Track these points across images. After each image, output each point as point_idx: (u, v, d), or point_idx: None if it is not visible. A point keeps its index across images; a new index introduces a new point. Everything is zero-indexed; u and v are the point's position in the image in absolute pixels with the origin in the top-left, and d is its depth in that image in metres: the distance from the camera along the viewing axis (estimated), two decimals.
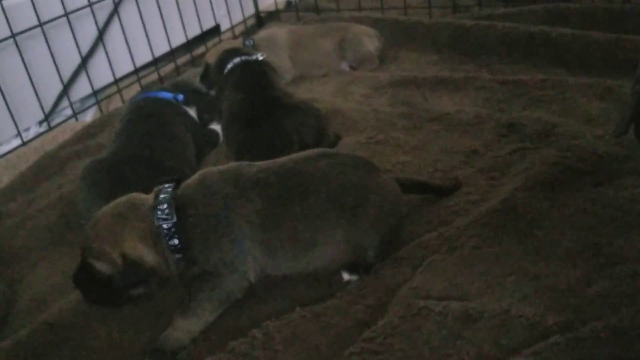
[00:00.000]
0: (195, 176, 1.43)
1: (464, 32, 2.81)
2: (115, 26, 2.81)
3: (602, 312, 1.22)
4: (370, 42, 2.82)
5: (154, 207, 1.34)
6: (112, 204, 1.38)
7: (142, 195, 1.40)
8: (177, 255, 1.34)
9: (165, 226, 1.32)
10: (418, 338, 1.21)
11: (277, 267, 1.38)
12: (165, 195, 1.35)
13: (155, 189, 1.40)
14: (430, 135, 2.08)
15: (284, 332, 1.29)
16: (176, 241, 1.32)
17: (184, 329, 1.31)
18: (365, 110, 2.29)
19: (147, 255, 1.31)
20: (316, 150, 1.51)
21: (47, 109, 2.52)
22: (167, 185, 1.39)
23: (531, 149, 1.85)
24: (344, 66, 2.82)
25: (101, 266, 1.30)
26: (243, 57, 2.36)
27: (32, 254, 1.75)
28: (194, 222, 1.33)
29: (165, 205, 1.33)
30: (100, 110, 2.73)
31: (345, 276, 1.44)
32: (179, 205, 1.34)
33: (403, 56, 2.91)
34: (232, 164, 1.48)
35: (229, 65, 2.35)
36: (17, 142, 2.39)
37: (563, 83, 2.24)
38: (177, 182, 1.42)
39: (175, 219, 1.32)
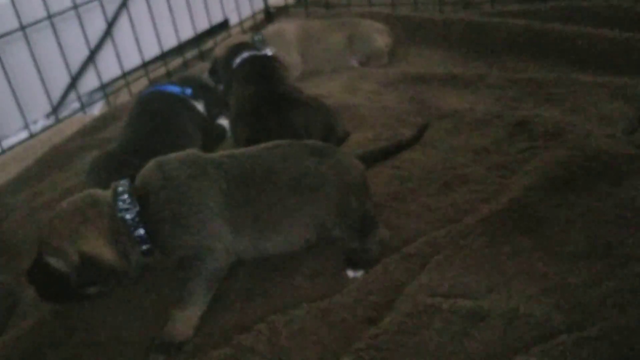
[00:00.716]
0: (150, 164, 1.41)
1: (475, 29, 2.79)
2: (124, 20, 2.81)
3: (610, 312, 1.21)
4: (380, 38, 2.80)
5: (115, 200, 1.31)
6: (70, 199, 1.35)
7: (101, 191, 1.36)
8: (145, 247, 1.31)
9: (128, 216, 1.29)
10: (425, 335, 1.20)
11: (244, 248, 1.38)
12: (124, 187, 1.33)
13: (113, 184, 1.37)
14: (440, 133, 2.06)
15: (290, 328, 1.28)
16: (142, 231, 1.30)
17: (183, 319, 1.29)
18: (375, 107, 2.28)
19: (106, 253, 1.27)
20: (276, 142, 1.51)
21: (54, 102, 2.52)
22: (123, 180, 1.37)
23: (541, 148, 1.82)
24: (353, 62, 2.80)
25: (57, 263, 1.27)
26: (252, 52, 2.36)
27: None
28: (158, 207, 1.31)
29: (125, 196, 1.30)
30: (108, 103, 2.73)
31: (350, 273, 1.43)
32: (140, 194, 1.32)
33: (413, 53, 2.89)
34: (187, 151, 1.46)
35: (238, 60, 2.35)
36: (24, 134, 2.39)
37: (575, 82, 2.22)
38: (132, 177, 1.40)
39: (138, 208, 1.29)
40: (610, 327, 1.14)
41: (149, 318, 1.41)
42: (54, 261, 1.27)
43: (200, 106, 2.25)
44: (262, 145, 1.50)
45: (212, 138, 2.21)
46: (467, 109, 2.17)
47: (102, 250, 1.27)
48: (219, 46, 2.86)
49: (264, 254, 1.43)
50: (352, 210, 1.44)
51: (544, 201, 1.54)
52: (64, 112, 2.60)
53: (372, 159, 1.81)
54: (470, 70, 2.56)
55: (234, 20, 3.52)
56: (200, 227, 1.31)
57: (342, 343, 1.24)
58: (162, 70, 2.97)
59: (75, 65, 2.60)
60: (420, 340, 1.19)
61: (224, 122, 2.31)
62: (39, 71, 2.40)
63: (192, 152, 1.44)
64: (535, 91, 2.24)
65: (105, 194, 1.35)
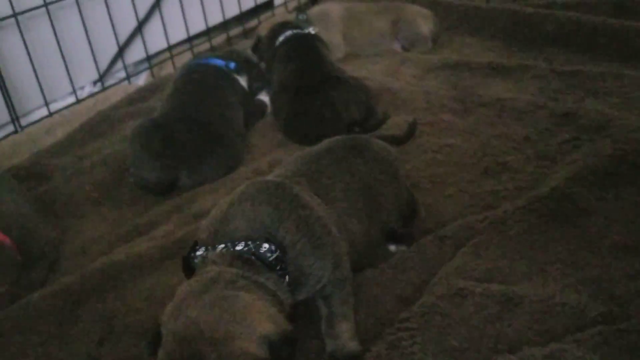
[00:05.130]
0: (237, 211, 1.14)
1: (522, 20, 2.74)
2: None
3: None
4: (425, 23, 2.78)
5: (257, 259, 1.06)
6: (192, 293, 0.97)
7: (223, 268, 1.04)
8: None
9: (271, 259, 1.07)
10: (456, 317, 1.20)
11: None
12: (250, 245, 1.07)
13: (222, 251, 1.07)
14: (481, 120, 2.04)
15: None
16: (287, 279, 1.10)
17: (349, 331, 1.18)
18: (416, 91, 2.26)
19: (284, 323, 0.99)
20: (324, 144, 1.45)
21: (102, 70, 2.58)
22: (221, 245, 1.08)
23: (586, 140, 1.80)
24: (397, 46, 2.79)
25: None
26: (295, 30, 2.37)
27: (81, 207, 1.80)
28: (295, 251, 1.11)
29: (265, 245, 1.07)
30: (153, 75, 2.77)
31: (392, 247, 1.45)
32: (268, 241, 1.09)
33: (457, 41, 2.85)
34: (260, 184, 1.21)
35: (281, 38, 2.36)
36: (71, 99, 2.45)
37: (622, 76, 2.17)
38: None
39: (278, 252, 1.08)
40: None
41: None
42: None
43: (242, 81, 2.27)
44: (308, 152, 1.42)
45: (253, 113, 2.23)
46: (510, 98, 2.14)
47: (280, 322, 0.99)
48: (263, 25, 2.89)
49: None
50: (403, 198, 1.46)
51: (585, 193, 1.52)
52: (109, 81, 2.65)
53: None
54: (515, 60, 2.52)
55: (278, 0, 3.52)
56: (332, 244, 1.17)
57: (372, 320, 1.25)
58: (206, 46, 3.00)
59: (123, 36, 2.64)
60: (452, 321, 1.19)
61: (264, 98, 2.33)
62: (88, 39, 2.46)
63: (265, 184, 1.20)
64: (580, 84, 2.20)
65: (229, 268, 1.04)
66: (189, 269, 1.11)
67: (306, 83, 2.07)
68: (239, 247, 1.06)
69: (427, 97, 2.23)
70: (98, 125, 2.27)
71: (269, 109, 2.29)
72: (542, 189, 1.55)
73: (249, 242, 1.06)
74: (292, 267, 1.10)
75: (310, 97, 2.02)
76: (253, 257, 1.05)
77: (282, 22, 2.52)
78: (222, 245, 1.08)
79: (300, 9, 3.31)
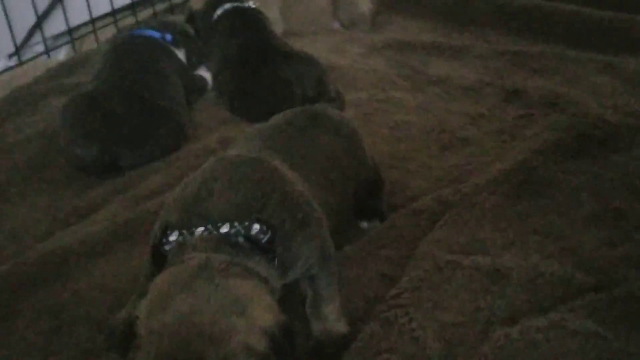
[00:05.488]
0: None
1: (460, 1, 2.75)
2: None
3: (629, 274, 1.19)
4: (364, 2, 2.72)
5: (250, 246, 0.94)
6: (179, 280, 0.83)
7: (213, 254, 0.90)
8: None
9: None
10: (447, 291, 1.15)
11: None
12: (237, 227, 0.94)
13: (203, 234, 0.93)
14: (432, 97, 2.01)
15: None
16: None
17: (334, 313, 1.10)
18: (364, 69, 2.21)
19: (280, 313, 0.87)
20: (283, 115, 1.34)
21: (18, 43, 2.32)
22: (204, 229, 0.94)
23: (540, 115, 1.81)
24: (336, 25, 2.71)
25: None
26: (235, 4, 2.24)
27: (10, 189, 1.59)
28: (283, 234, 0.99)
29: (256, 226, 0.95)
30: (74, 49, 2.53)
31: (364, 224, 1.37)
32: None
33: (396, 21, 2.81)
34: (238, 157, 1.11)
35: (219, 11, 2.23)
36: None
37: (563, 56, 2.21)
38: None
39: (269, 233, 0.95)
40: (637, 287, 1.12)
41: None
42: None
43: (180, 54, 2.11)
44: (267, 126, 1.30)
45: (192, 89, 2.07)
46: (458, 76, 2.14)
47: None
48: None
49: None
50: (369, 170, 1.39)
51: (550, 166, 1.51)
52: (27, 54, 2.39)
53: None
54: (456, 40, 2.52)
55: None
56: (317, 222, 1.07)
57: (358, 299, 1.17)
58: (131, 20, 2.78)
59: (41, 6, 2.39)
60: (443, 294, 1.14)
61: (204, 73, 2.18)
62: (4, 8, 2.20)
63: (240, 159, 1.09)
64: (523, 63, 2.22)
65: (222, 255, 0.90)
66: (160, 257, 0.96)
67: (254, 58, 1.95)
68: (224, 230, 0.92)
69: (376, 74, 2.17)
70: (16, 102, 2.03)
71: (210, 84, 2.14)
72: (508, 163, 1.54)
73: (235, 224, 0.93)
74: (280, 249, 0.97)
75: (260, 73, 1.90)
76: (241, 240, 0.92)
77: None
78: (202, 228, 0.93)
79: None
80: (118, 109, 1.67)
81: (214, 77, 2.10)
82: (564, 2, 2.58)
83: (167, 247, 0.95)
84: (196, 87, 2.11)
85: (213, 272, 0.83)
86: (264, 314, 0.82)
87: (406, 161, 1.65)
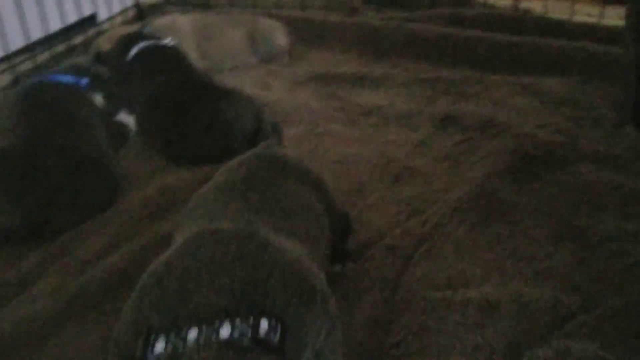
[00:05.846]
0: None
1: (372, 32, 2.78)
2: None
3: (607, 291, 1.22)
4: (281, 36, 2.68)
5: None
6: None
7: None
8: None
9: None
10: (445, 332, 1.11)
11: None
12: (241, 327, 0.78)
13: (199, 341, 0.75)
14: (370, 128, 2.00)
15: None
16: None
17: None
18: (295, 103, 2.16)
19: None
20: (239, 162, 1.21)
21: None
22: None
23: (478, 139, 1.85)
24: (253, 60, 2.65)
25: None
26: (150, 42, 2.11)
27: None
28: None
29: (265, 323, 0.79)
30: None
31: (337, 267, 1.31)
32: None
33: (311, 54, 2.80)
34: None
35: (134, 50, 2.09)
36: None
37: (483, 80, 2.30)
38: None
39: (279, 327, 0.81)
40: (621, 304, 1.14)
41: None
42: None
43: (98, 99, 1.94)
44: (231, 181, 1.15)
45: (114, 136, 1.91)
46: (387, 105, 2.15)
47: None
48: (102, 38, 2.55)
49: None
50: (336, 211, 1.29)
51: (505, 188, 1.54)
52: None
53: None
54: (376, 70, 2.54)
55: (103, 15, 3.16)
56: (323, 291, 0.94)
57: (355, 352, 1.10)
58: (28, 65, 2.55)
59: None
60: (443, 336, 1.09)
61: (124, 118, 2.02)
62: None
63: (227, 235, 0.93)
64: (447, 89, 2.28)
65: None
66: None
67: (186, 96, 1.83)
68: (224, 332, 0.73)
69: (308, 108, 2.13)
70: None
71: (133, 129, 1.99)
72: (465, 189, 1.54)
73: (236, 322, 0.74)
74: (290, 342, 0.79)
75: (196, 112, 1.78)
76: (248, 343, 0.73)
77: (131, 32, 2.24)
78: (194, 332, 0.73)
79: (144, 22, 3.00)
80: (40, 165, 1.49)
81: (139, 121, 1.95)
82: (468, 29, 2.70)
83: None
84: (118, 135, 1.94)
85: None
86: None
87: (362, 195, 1.61)
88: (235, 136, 1.74)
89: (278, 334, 0.75)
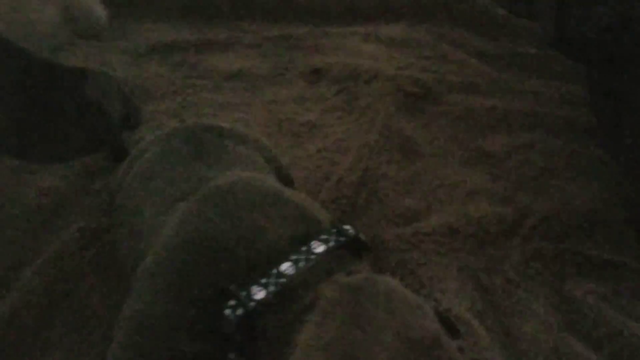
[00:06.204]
0: None
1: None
2: None
3: (530, 198, 1.35)
4: (98, 8, 2.39)
5: None
6: None
7: None
8: None
9: None
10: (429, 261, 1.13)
11: None
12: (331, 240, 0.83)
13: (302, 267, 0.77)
14: (243, 92, 1.92)
15: None
16: None
17: None
18: (146, 76, 1.96)
19: None
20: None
21: None
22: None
23: (355, 87, 1.88)
24: (72, 35, 2.32)
25: None
26: None
27: None
28: None
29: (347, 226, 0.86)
30: None
31: None
32: None
33: (134, 26, 2.53)
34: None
35: None
36: None
37: (329, 32, 2.33)
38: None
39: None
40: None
41: None
42: None
43: None
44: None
45: None
46: (250, 67, 2.08)
47: None
48: None
49: None
50: (279, 164, 1.26)
51: (406, 126, 1.61)
52: None
53: None
54: (218, 34, 2.41)
55: None
56: None
57: None
58: None
59: None
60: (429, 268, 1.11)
61: None
62: None
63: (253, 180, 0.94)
64: (297, 45, 2.27)
65: None
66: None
67: (35, 81, 1.54)
68: (319, 248, 0.75)
69: (164, 80, 1.97)
70: None
71: None
72: (373, 133, 1.57)
73: (323, 235, 0.78)
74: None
75: (54, 99, 1.51)
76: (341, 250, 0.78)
77: None
78: (288, 263, 0.74)
79: None
80: None
81: None
82: None
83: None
84: None
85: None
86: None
87: None
88: (110, 121, 1.53)
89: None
